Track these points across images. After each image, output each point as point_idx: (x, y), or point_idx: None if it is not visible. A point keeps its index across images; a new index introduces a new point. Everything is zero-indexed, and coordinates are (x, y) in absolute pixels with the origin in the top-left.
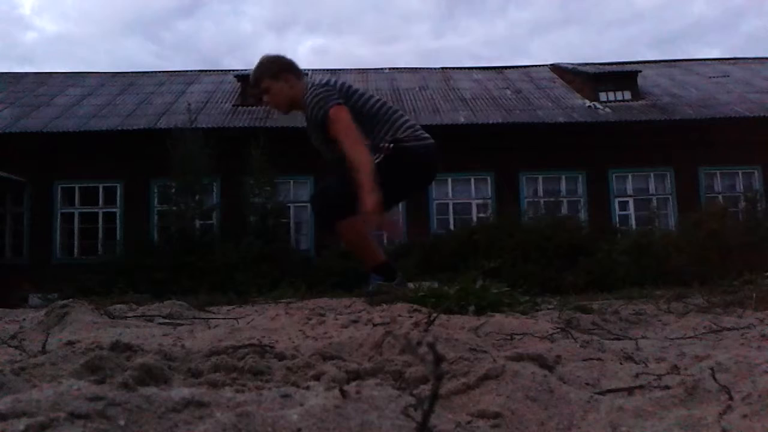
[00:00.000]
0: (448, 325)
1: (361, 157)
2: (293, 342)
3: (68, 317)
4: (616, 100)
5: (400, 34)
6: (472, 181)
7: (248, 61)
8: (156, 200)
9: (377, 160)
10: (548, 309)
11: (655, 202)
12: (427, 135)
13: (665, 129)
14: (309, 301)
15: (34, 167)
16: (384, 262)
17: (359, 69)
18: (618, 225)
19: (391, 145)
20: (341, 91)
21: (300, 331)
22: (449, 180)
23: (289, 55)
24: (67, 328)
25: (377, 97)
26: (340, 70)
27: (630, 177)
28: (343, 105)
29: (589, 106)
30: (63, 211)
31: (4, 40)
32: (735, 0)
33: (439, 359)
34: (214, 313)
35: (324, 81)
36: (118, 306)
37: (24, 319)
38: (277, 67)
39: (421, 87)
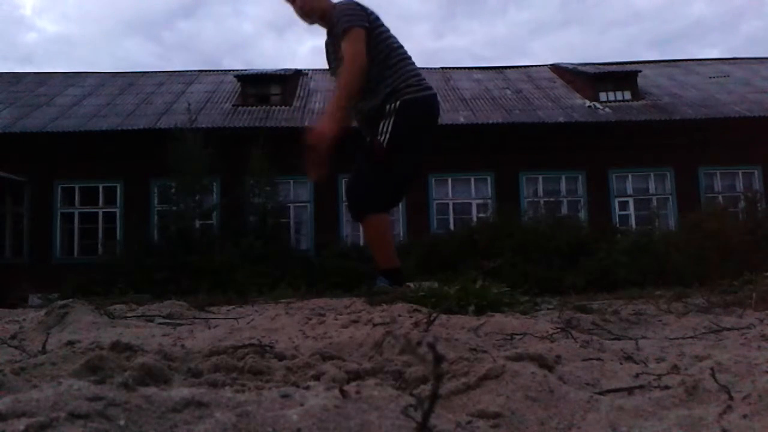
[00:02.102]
0: (448, 325)
1: (350, 80)
2: (293, 342)
3: (68, 317)
4: (616, 100)
5: (400, 35)
6: (472, 181)
7: (248, 62)
8: (156, 200)
9: (389, 126)
10: (548, 309)
11: (655, 202)
12: (429, 86)
13: (665, 129)
14: (309, 301)
15: (34, 167)
16: (396, 267)
17: None
18: (618, 225)
19: (396, 104)
20: (370, 18)
21: (300, 331)
22: (449, 180)
23: (290, 56)
24: (67, 328)
25: (397, 40)
26: None
27: (630, 177)
28: (364, 31)
29: (589, 106)
30: (63, 211)
31: (5, 40)
32: (735, 0)
33: (439, 359)
34: (214, 313)
35: (357, 1)
36: (118, 306)
37: (24, 319)
38: None
39: None
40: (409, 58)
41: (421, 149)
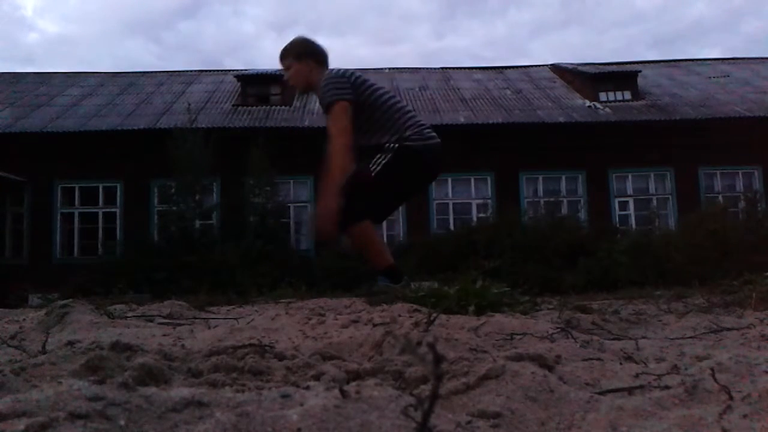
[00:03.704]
0: (448, 325)
1: (339, 162)
2: (293, 342)
3: (68, 317)
4: (616, 100)
5: (401, 35)
6: (472, 181)
7: (249, 62)
8: (156, 200)
9: (384, 160)
10: (548, 309)
11: (655, 202)
12: (433, 134)
13: (665, 129)
14: (309, 301)
15: (34, 167)
16: (391, 265)
17: (359, 69)
18: (618, 225)
19: (396, 144)
20: (355, 84)
21: (300, 331)
22: (449, 180)
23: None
24: (67, 328)
25: (390, 94)
26: None
27: (630, 177)
28: (348, 103)
29: (589, 106)
30: (63, 211)
31: (6, 41)
32: (735, 0)
33: (439, 359)
34: (214, 313)
35: (341, 72)
36: (118, 306)
37: (24, 319)
38: (302, 49)
39: (421, 87)
40: (412, 111)
41: (409, 192)
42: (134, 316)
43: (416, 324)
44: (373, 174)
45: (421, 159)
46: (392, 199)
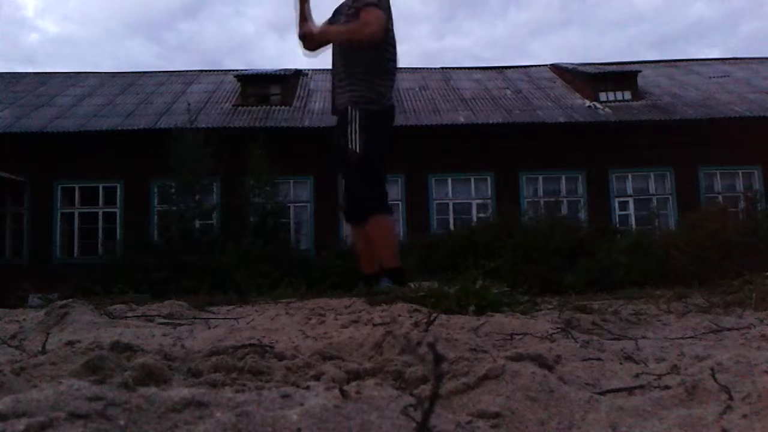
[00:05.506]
0: (448, 325)
1: (351, 35)
2: (293, 342)
3: (68, 317)
4: (616, 100)
5: (401, 36)
6: (472, 181)
7: (249, 62)
8: (156, 200)
9: (356, 130)
10: (548, 309)
11: (655, 202)
12: (391, 101)
13: (665, 129)
14: (309, 301)
15: (34, 167)
16: (399, 267)
17: None
18: (618, 225)
19: (357, 112)
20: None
21: (300, 331)
22: (449, 180)
23: (290, 57)
24: (67, 328)
25: (394, 46)
26: None
27: (630, 177)
28: (382, 11)
29: (589, 106)
30: (63, 211)
31: (7, 41)
32: (735, 1)
33: (439, 359)
34: (214, 313)
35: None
36: (118, 306)
37: (24, 319)
38: None
39: (421, 87)
40: (393, 72)
41: (388, 140)
42: (134, 316)
43: (416, 324)
44: (358, 151)
45: (378, 119)
46: (384, 154)
